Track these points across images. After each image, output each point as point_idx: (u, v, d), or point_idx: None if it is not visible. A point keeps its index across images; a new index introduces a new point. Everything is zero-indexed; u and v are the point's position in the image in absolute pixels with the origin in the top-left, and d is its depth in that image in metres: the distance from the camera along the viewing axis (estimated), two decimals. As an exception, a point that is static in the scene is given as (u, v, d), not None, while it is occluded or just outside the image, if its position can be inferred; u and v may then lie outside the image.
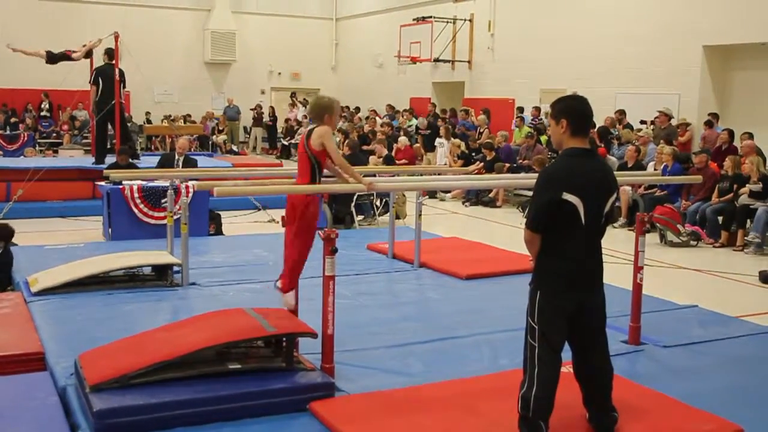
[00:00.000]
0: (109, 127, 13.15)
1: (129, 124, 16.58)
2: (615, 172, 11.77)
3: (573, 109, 3.73)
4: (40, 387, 4.35)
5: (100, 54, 13.46)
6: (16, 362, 4.76)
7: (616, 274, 7.47)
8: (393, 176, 8.30)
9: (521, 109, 17.87)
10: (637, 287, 5.37)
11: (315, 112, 4.96)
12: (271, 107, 25.67)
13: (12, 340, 5.09)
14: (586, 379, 3.86)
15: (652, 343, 5.37)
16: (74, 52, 13.69)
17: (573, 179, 3.58)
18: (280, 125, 25.23)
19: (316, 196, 5.01)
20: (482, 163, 14.33)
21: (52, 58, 13.65)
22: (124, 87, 13.19)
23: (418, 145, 17.96)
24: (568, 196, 3.53)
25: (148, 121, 23.35)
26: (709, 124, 13.48)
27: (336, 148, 4.87)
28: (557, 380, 3.65)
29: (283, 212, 5.14)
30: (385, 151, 14.78)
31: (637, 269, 5.35)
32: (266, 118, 25.08)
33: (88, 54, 13.58)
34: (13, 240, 7.54)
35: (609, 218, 3.79)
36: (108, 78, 12.71)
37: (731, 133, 12.65)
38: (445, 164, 15.64)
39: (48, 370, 4.67)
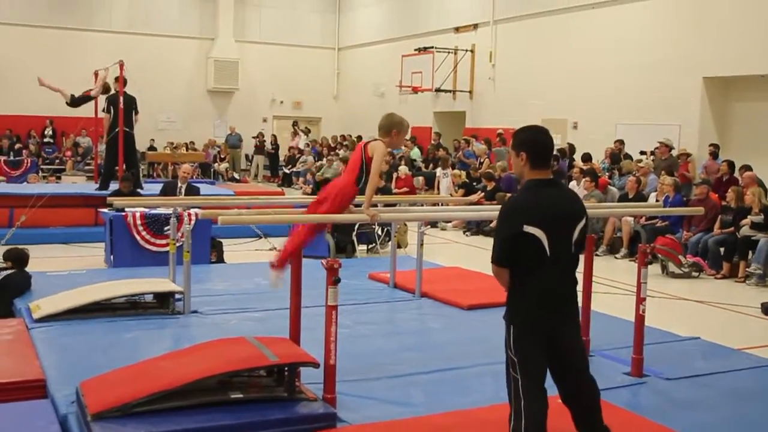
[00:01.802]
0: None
1: None
2: (618, 203, 11.70)
3: (533, 142, 3.70)
4: (40, 415, 4.33)
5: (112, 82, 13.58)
6: (16, 389, 4.74)
7: (618, 306, 7.49)
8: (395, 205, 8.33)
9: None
10: (640, 319, 5.36)
11: (385, 126, 5.03)
12: (273, 135, 25.81)
13: (13, 367, 5.07)
14: (573, 403, 3.84)
15: (655, 375, 5.34)
16: (91, 90, 13.65)
17: (533, 211, 3.56)
18: (282, 153, 25.35)
19: (355, 187, 5.05)
20: (483, 193, 14.37)
21: (75, 102, 13.52)
22: (137, 113, 13.28)
23: (421, 179, 17.87)
24: (529, 228, 3.51)
25: (152, 148, 23.47)
26: (713, 155, 13.53)
27: (379, 168, 4.92)
28: (546, 411, 3.60)
29: (285, 241, 5.15)
30: (382, 183, 14.72)
31: (640, 300, 5.34)
32: (268, 147, 25.20)
33: (106, 87, 13.52)
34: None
35: (580, 246, 3.76)
36: (117, 106, 12.81)
37: (731, 164, 12.70)
38: (450, 195, 15.65)
39: (49, 398, 4.64)
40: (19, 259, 7.34)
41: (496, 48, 19.47)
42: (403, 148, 20.49)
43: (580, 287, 5.80)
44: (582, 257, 5.84)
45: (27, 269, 7.38)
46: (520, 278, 3.61)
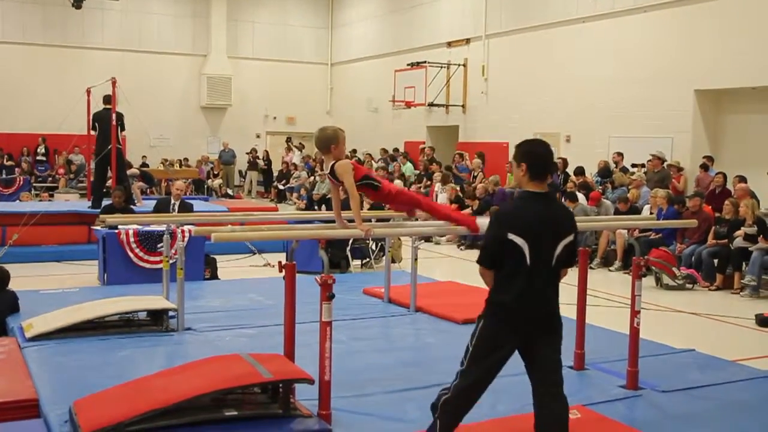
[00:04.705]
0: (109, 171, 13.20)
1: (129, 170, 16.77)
2: (612, 216, 11.62)
3: (533, 155, 3.86)
4: (33, 435, 4.31)
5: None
6: (9, 409, 4.71)
7: (612, 318, 7.48)
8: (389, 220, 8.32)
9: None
10: (635, 331, 5.36)
11: (321, 144, 5.00)
12: (266, 151, 25.81)
13: (6, 387, 5.04)
14: (537, 420, 3.83)
15: (650, 388, 5.34)
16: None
17: (519, 220, 3.73)
18: (276, 169, 25.34)
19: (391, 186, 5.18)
20: (471, 212, 14.40)
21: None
22: (123, 130, 13.25)
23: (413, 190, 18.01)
24: (512, 236, 3.68)
25: (144, 165, 23.44)
26: (704, 168, 13.57)
27: (353, 185, 4.88)
28: (470, 401, 3.81)
29: (280, 257, 5.14)
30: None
31: (634, 313, 5.34)
32: (261, 163, 25.19)
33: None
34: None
35: (564, 261, 3.84)
36: (104, 122, 12.78)
37: (725, 176, 12.74)
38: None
39: (42, 418, 4.62)
40: None
41: (488, 62, 19.54)
42: (393, 164, 20.51)
43: (574, 300, 5.84)
44: (576, 270, 5.87)
45: (14, 288, 7.30)
46: (499, 282, 3.80)
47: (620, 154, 15.35)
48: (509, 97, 18.72)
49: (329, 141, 4.93)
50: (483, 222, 4.91)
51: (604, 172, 14.93)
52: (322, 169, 21.41)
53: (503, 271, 3.77)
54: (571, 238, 3.83)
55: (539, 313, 3.78)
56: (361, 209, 5.03)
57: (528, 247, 3.68)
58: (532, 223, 3.72)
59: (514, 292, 3.72)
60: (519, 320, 3.74)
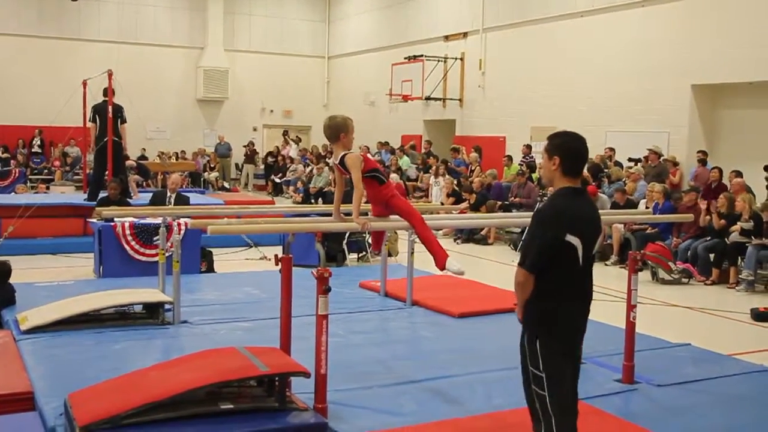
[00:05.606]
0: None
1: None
2: (608, 210, 11.67)
3: (568, 148, 3.58)
4: (28, 428, 4.30)
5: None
6: (4, 402, 4.70)
7: (608, 312, 7.46)
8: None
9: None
10: (631, 326, 5.37)
11: (330, 133, 4.99)
12: (277, 147, 25.71)
13: (0, 379, 5.03)
14: None
15: (646, 382, 5.35)
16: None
17: (574, 219, 3.47)
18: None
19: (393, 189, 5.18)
20: (468, 206, 14.41)
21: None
22: (123, 122, 13.23)
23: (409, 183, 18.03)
24: (570, 238, 3.41)
25: (143, 158, 23.40)
26: (702, 163, 13.57)
27: (359, 179, 4.90)
28: (576, 423, 3.50)
29: (276, 251, 5.13)
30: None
31: (630, 308, 5.35)
32: (269, 158, 25.05)
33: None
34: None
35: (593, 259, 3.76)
36: (104, 114, 12.77)
37: (721, 171, 12.75)
38: (441, 203, 15.68)
39: (37, 411, 4.61)
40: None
41: (485, 56, 19.51)
42: (390, 156, 20.50)
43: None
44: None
45: (11, 281, 7.29)
46: (547, 288, 3.46)
47: (612, 149, 15.36)
48: (506, 91, 18.70)
49: (339, 130, 4.96)
50: (450, 262, 5.05)
51: (595, 169, 14.90)
52: (318, 163, 21.41)
53: (550, 274, 3.44)
54: (602, 236, 3.75)
55: (584, 310, 3.65)
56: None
57: (581, 246, 3.45)
58: (583, 222, 3.50)
59: (564, 296, 3.48)
60: (575, 326, 3.57)
